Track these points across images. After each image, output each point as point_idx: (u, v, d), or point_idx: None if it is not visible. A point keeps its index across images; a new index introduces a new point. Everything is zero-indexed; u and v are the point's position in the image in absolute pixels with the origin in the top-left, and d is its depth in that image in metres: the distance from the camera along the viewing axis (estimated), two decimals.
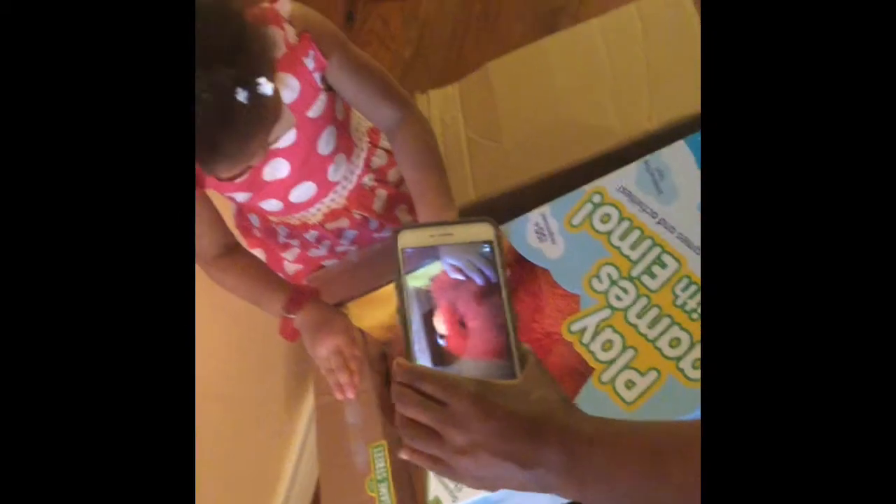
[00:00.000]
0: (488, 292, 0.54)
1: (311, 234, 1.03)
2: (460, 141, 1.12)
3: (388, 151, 1.01)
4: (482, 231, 0.54)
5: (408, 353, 0.52)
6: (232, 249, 0.94)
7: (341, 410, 0.97)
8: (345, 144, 0.94)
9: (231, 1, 0.70)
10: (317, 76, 0.84)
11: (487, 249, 0.54)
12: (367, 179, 1.00)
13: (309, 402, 1.52)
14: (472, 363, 0.52)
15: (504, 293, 0.53)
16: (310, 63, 0.82)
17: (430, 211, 0.87)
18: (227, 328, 1.32)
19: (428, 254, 0.54)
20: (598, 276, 0.78)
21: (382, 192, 1.01)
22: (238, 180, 0.86)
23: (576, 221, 0.82)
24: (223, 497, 1.30)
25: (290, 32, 0.80)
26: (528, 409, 0.48)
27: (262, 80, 0.66)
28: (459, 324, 0.54)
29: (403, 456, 0.52)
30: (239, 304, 1.32)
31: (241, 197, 0.92)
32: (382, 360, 0.96)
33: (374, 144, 1.00)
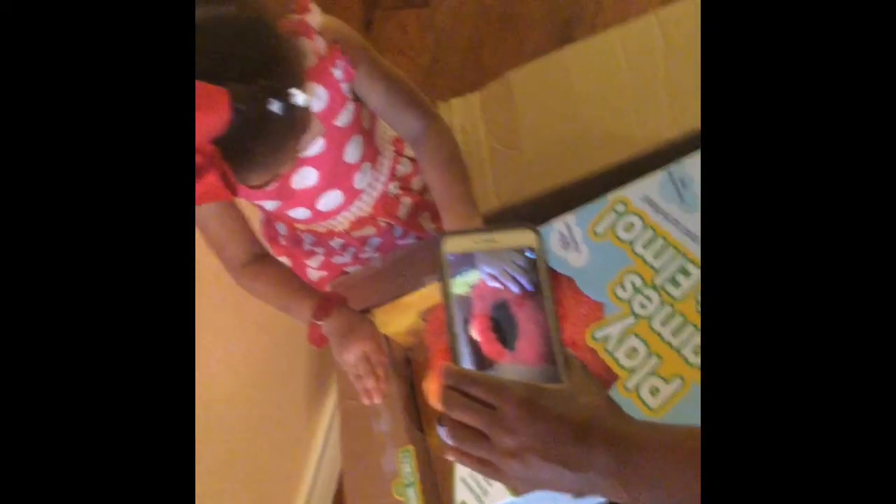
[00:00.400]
0: (530, 298, 0.55)
1: (336, 242, 1.04)
2: (482, 149, 1.14)
3: (412, 160, 1.03)
4: (525, 237, 0.55)
5: (454, 357, 0.53)
6: (260, 257, 0.96)
7: (365, 414, 0.99)
8: (371, 153, 0.95)
9: (264, 14, 0.71)
10: (345, 86, 0.85)
11: (530, 255, 0.55)
12: (392, 187, 1.01)
13: (330, 406, 1.54)
14: (513, 368, 0.53)
15: (547, 298, 0.54)
16: (338, 73, 0.84)
17: (456, 220, 0.88)
18: (252, 333, 1.34)
19: (466, 262, 0.55)
20: (621, 285, 0.79)
21: (407, 200, 1.03)
22: (268, 188, 0.88)
23: (599, 230, 0.83)
24: (246, 498, 1.32)
25: (320, 43, 0.82)
26: (576, 412, 0.49)
27: (295, 91, 0.67)
28: (494, 330, 0.56)
29: (450, 457, 0.53)
30: (263, 310, 1.34)
31: (270, 205, 0.94)
32: (407, 366, 0.97)
33: (398, 153, 1.02)
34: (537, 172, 1.08)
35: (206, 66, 0.62)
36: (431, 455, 0.88)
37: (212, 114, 0.61)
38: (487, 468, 0.51)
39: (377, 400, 0.89)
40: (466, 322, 0.55)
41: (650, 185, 0.83)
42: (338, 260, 1.09)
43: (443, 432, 0.86)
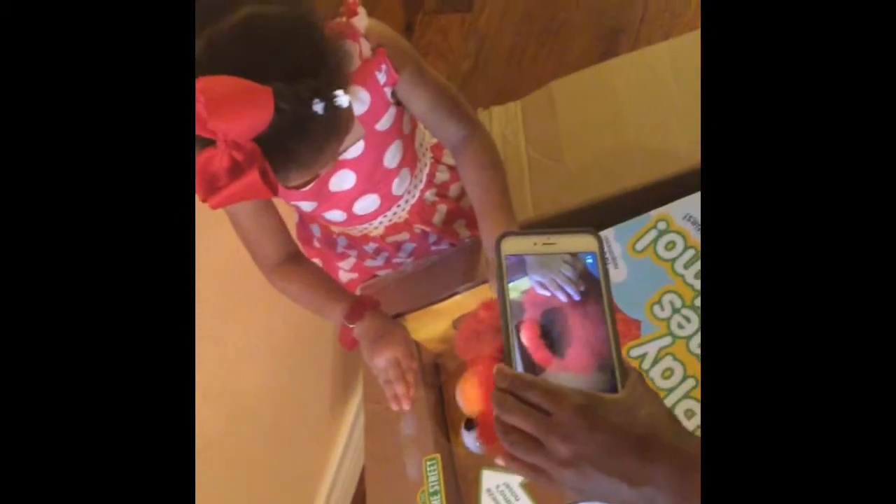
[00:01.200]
0: (581, 306, 0.54)
1: (370, 246, 1.04)
2: (521, 158, 1.13)
3: (450, 167, 1.02)
4: (586, 242, 0.54)
5: (508, 360, 0.52)
6: (294, 257, 0.96)
7: (390, 419, 0.98)
8: (410, 159, 0.95)
9: (312, 14, 0.71)
10: (387, 90, 0.85)
11: (591, 260, 0.54)
12: (430, 194, 1.01)
13: (353, 407, 1.54)
14: (562, 376, 0.52)
15: (606, 306, 0.53)
16: (381, 77, 0.83)
17: (493, 228, 0.88)
18: (281, 330, 1.35)
19: (517, 269, 0.55)
20: (660, 303, 0.78)
21: (443, 207, 1.03)
22: (305, 189, 0.88)
23: (640, 247, 0.82)
24: (266, 495, 1.32)
25: (365, 46, 0.82)
26: (636, 425, 0.48)
27: (339, 93, 0.67)
28: (543, 337, 0.55)
29: (500, 462, 0.52)
30: (293, 309, 1.35)
31: (307, 206, 0.94)
32: (436, 373, 0.97)
33: (436, 160, 1.01)
34: (576, 185, 1.07)
35: (251, 64, 0.62)
36: (456, 464, 0.87)
37: (255, 112, 0.60)
38: (539, 475, 0.50)
39: (406, 406, 0.88)
40: (517, 327, 0.55)
41: (692, 204, 0.81)
42: (370, 263, 1.09)
43: (469, 439, 0.86)
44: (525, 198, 1.09)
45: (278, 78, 0.63)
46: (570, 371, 0.53)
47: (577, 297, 0.55)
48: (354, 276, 1.12)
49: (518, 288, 0.55)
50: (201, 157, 0.61)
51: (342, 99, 0.66)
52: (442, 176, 1.02)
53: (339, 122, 0.71)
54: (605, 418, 0.48)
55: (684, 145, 1.01)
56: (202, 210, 1.04)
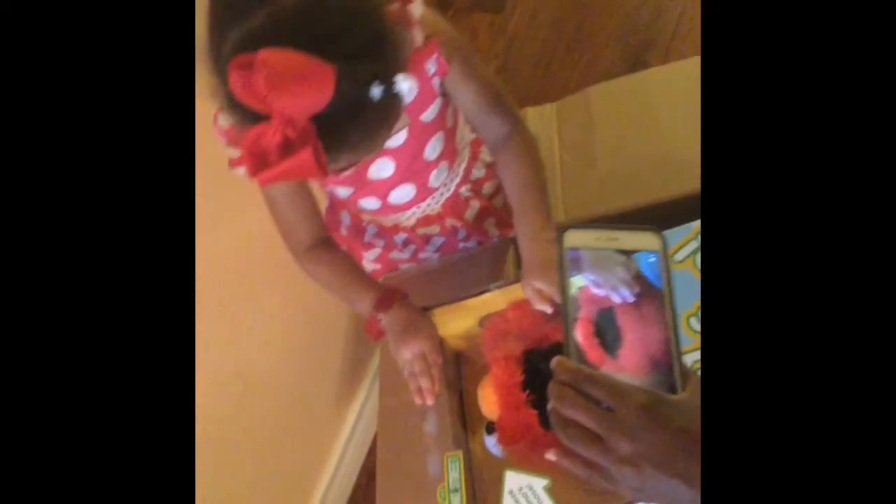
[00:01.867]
0: (640, 307, 0.53)
1: (399, 237, 1.03)
2: (553, 161, 1.12)
3: (487, 165, 1.02)
4: (649, 240, 0.53)
5: (568, 353, 0.52)
6: (325, 242, 0.95)
7: (405, 413, 0.97)
8: (449, 152, 0.94)
9: None
10: (435, 81, 0.84)
11: (653, 259, 0.53)
12: (465, 190, 1.00)
13: (360, 399, 1.53)
14: (618, 377, 0.51)
15: (668, 306, 0.52)
16: (431, 67, 0.83)
17: (528, 228, 0.87)
18: (295, 316, 1.34)
19: (574, 266, 0.54)
20: (697, 316, 0.77)
21: (476, 204, 1.02)
22: (345, 174, 0.87)
23: (679, 257, 0.81)
24: (269, 479, 1.31)
25: (418, 35, 0.81)
26: (697, 427, 0.47)
27: (401, 77, 0.66)
28: (597, 335, 0.54)
29: (551, 457, 0.51)
30: (309, 295, 1.34)
31: (343, 191, 0.93)
32: (457, 370, 0.96)
33: (474, 156, 1.01)
34: (608, 192, 1.06)
35: (313, 41, 0.61)
36: (474, 463, 0.86)
37: (315, 89, 0.59)
38: (596, 471, 0.49)
39: (430, 401, 0.87)
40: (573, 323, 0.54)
41: None
42: (395, 255, 1.08)
43: (490, 442, 0.85)
44: (556, 201, 1.08)
45: (338, 58, 0.62)
46: (625, 371, 0.53)
47: (631, 299, 0.54)
48: (377, 266, 1.11)
49: (573, 285, 0.55)
50: (251, 133, 0.60)
51: (402, 84, 0.65)
52: (478, 172, 1.01)
53: (393, 108, 0.71)
54: (669, 418, 0.47)
55: None
56: (221, 195, 1.04)
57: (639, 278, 0.54)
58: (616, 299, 0.54)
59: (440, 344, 0.92)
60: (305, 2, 0.62)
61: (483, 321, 0.93)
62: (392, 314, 0.91)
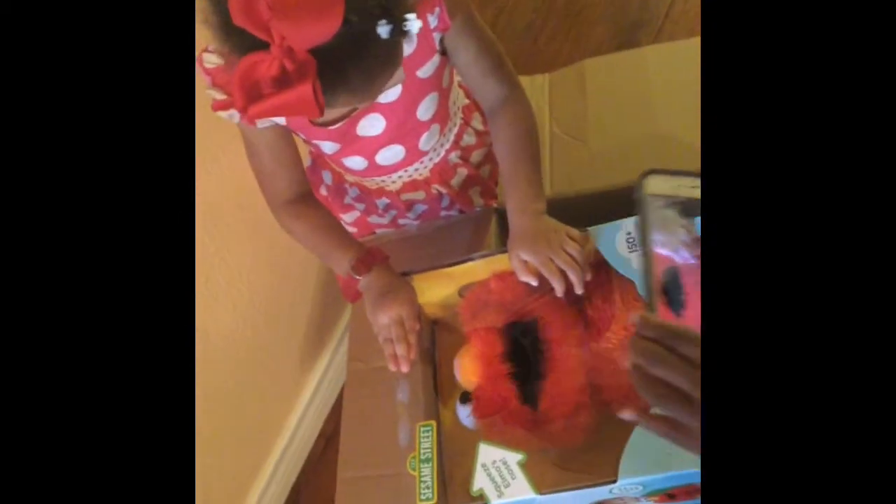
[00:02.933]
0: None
1: (381, 202, 1.00)
2: (543, 133, 1.10)
3: (477, 132, 0.99)
4: None
5: (651, 308, 0.50)
6: (305, 197, 0.92)
7: (373, 379, 0.95)
8: (442, 115, 0.91)
9: None
10: (436, 36, 0.81)
11: None
12: (454, 156, 0.97)
13: (323, 364, 1.50)
14: None
15: None
16: (433, 21, 0.79)
17: (519, 199, 0.84)
18: (263, 274, 1.30)
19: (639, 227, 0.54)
20: None
21: (463, 171, 0.99)
22: (333, 127, 0.83)
23: None
24: (226, 441, 1.28)
25: None
26: None
27: (411, 17, 0.62)
28: (664, 295, 0.54)
29: (626, 416, 0.49)
30: (278, 253, 1.31)
31: (329, 147, 0.89)
32: (431, 339, 0.93)
33: (466, 122, 0.97)
34: (598, 168, 1.04)
35: None
36: (445, 434, 0.84)
37: (323, 18, 0.55)
38: (680, 433, 0.47)
39: (405, 368, 0.84)
40: None
41: None
42: (374, 220, 1.05)
43: (463, 413, 0.83)
44: (544, 174, 1.05)
45: None
46: None
47: (692, 261, 0.54)
48: (354, 230, 1.08)
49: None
50: (245, 62, 0.56)
51: (413, 24, 0.61)
52: (469, 139, 0.98)
53: (396, 52, 0.67)
54: None
55: None
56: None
57: (699, 241, 0.53)
58: (678, 260, 0.53)
59: (419, 310, 0.89)
60: None
61: (463, 290, 0.91)
62: (371, 277, 0.87)
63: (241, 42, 0.56)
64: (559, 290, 0.79)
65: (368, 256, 0.88)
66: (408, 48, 0.79)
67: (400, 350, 0.84)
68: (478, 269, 0.89)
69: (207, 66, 0.77)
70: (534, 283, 0.81)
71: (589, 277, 0.80)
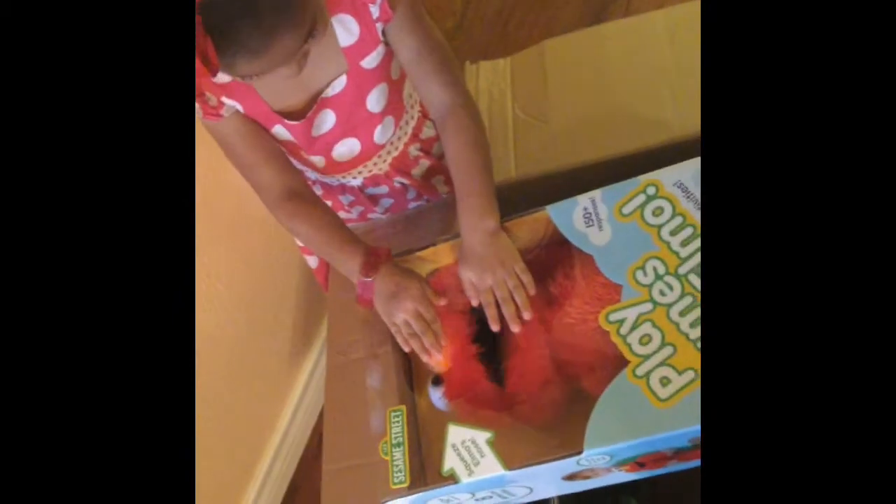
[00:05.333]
0: None
1: (346, 198, 1.00)
2: (506, 117, 1.10)
3: None
4: None
5: None
6: (300, 194, 0.89)
7: (353, 371, 0.96)
8: (395, 107, 0.91)
9: None
10: (379, 26, 0.81)
11: None
12: (413, 149, 0.97)
13: (312, 358, 1.51)
14: None
15: None
16: (375, 10, 0.79)
17: (469, 217, 0.83)
18: (241, 272, 1.31)
19: None
20: (643, 269, 0.76)
21: (425, 162, 1.00)
22: (294, 123, 0.84)
23: (626, 210, 0.80)
24: (216, 441, 1.29)
25: None
26: None
27: None
28: None
29: None
30: (253, 249, 1.31)
31: (285, 135, 0.89)
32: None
33: (424, 115, 0.97)
34: (561, 147, 1.05)
35: None
36: (420, 418, 0.85)
37: None
38: None
39: (438, 356, 0.83)
40: None
41: (684, 171, 0.80)
42: (343, 216, 1.05)
43: (435, 395, 0.84)
44: (508, 157, 1.06)
45: None
46: None
47: None
48: None
49: None
50: None
51: None
52: (429, 132, 0.98)
53: (295, 5, 0.65)
54: None
55: (673, 116, 1.00)
56: None
57: None
58: None
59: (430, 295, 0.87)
60: None
61: (431, 275, 0.91)
62: (380, 277, 0.85)
63: None
64: (493, 325, 0.80)
65: (374, 258, 0.86)
66: (349, 38, 0.80)
67: (428, 341, 0.82)
68: (444, 254, 0.89)
69: None
70: (474, 303, 0.82)
71: (528, 317, 0.80)
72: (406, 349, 0.85)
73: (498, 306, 0.81)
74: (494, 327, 0.81)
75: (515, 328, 0.80)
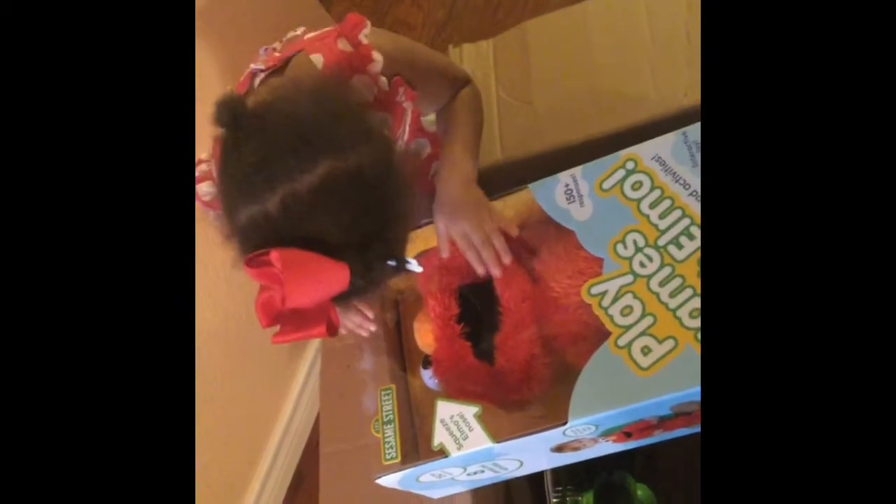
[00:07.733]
0: None
1: None
2: (490, 99, 1.11)
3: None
4: None
5: None
6: None
7: (347, 355, 0.98)
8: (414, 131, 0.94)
9: (390, 156, 0.66)
10: (407, 105, 0.84)
11: None
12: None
13: (312, 350, 1.53)
14: None
15: None
16: (401, 98, 0.82)
17: (449, 162, 0.85)
18: (235, 274, 1.32)
19: None
20: (623, 242, 0.77)
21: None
22: None
23: (606, 186, 0.81)
24: (220, 434, 1.31)
25: (383, 82, 0.79)
26: None
27: (412, 261, 0.68)
28: None
29: None
30: None
31: None
32: (395, 308, 0.96)
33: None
34: (546, 128, 1.06)
35: (327, 233, 0.60)
36: (412, 397, 0.87)
37: (331, 287, 0.61)
38: None
39: (506, 260, 0.81)
40: None
41: (663, 146, 0.81)
42: None
43: (426, 376, 0.85)
44: (493, 140, 1.07)
45: (351, 245, 0.61)
46: None
47: None
48: None
49: None
50: (264, 294, 0.62)
51: (415, 266, 0.68)
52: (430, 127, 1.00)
53: (404, 267, 0.69)
54: None
55: (655, 93, 1.00)
56: None
57: None
58: None
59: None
60: (320, 188, 0.59)
61: (419, 256, 0.93)
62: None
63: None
64: (477, 267, 0.82)
65: None
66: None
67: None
68: (429, 235, 0.91)
69: (204, 198, 0.81)
70: (444, 255, 0.84)
71: (507, 261, 0.81)
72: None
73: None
74: (479, 270, 0.81)
75: (497, 272, 0.81)
